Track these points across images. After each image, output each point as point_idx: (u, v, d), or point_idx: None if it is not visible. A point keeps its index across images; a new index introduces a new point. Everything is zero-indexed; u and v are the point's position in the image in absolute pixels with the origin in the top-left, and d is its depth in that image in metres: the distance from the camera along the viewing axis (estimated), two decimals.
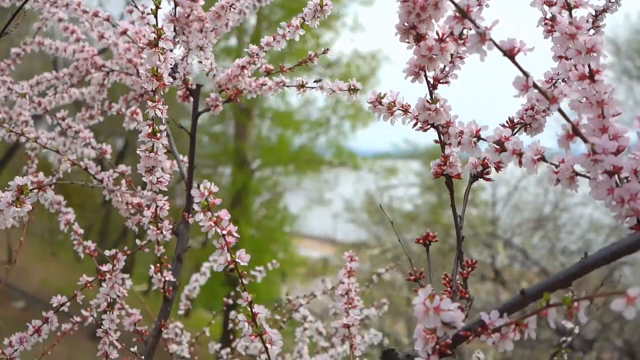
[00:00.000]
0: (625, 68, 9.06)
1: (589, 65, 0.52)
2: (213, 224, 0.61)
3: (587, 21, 0.67)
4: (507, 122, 0.67)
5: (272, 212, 11.77)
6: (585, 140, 0.50)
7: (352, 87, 0.83)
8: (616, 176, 0.51)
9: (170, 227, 0.89)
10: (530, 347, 6.07)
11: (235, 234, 0.62)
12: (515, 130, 0.67)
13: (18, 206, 0.66)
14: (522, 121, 0.67)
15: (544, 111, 0.65)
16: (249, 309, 0.63)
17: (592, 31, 0.70)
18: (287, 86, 0.96)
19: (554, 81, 0.67)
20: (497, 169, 0.66)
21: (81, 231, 1.08)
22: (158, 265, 0.94)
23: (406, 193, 10.21)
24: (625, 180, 0.50)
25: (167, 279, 0.95)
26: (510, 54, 0.50)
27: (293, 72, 0.97)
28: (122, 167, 1.04)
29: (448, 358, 0.55)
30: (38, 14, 1.29)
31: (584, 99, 0.53)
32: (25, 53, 1.31)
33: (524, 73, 0.50)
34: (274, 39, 0.89)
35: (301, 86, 0.94)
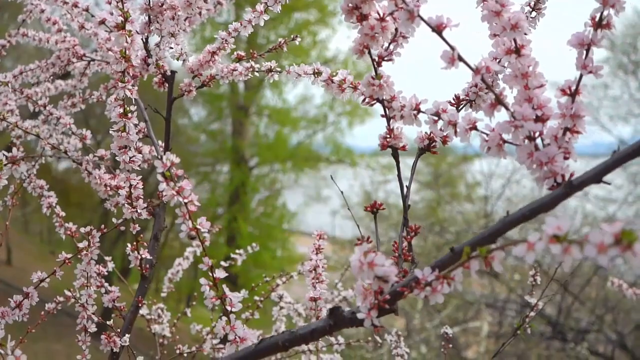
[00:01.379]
0: (621, 63, 9.09)
1: (514, 40, 0.57)
2: (175, 193, 0.65)
3: (529, 4, 0.72)
4: (453, 98, 0.72)
5: (270, 210, 11.82)
6: (507, 109, 0.54)
7: (316, 70, 0.88)
8: (540, 141, 0.56)
9: (145, 205, 0.93)
10: (524, 340, 6.12)
11: (197, 203, 0.66)
12: (461, 106, 0.72)
13: None
14: (467, 98, 0.71)
15: (487, 88, 0.69)
16: (210, 273, 0.68)
17: (533, 13, 0.75)
18: (257, 71, 1.00)
19: (497, 59, 0.72)
20: (444, 142, 0.70)
21: (63, 214, 1.12)
22: (135, 243, 0.99)
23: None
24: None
25: (143, 256, 1.00)
26: (438, 29, 0.54)
27: (263, 58, 1.02)
28: (101, 151, 1.08)
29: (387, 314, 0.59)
30: (23, 6, 1.32)
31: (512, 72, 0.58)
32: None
33: (451, 47, 0.54)
34: (242, 24, 0.94)
35: (269, 70, 0.98)
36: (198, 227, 0.66)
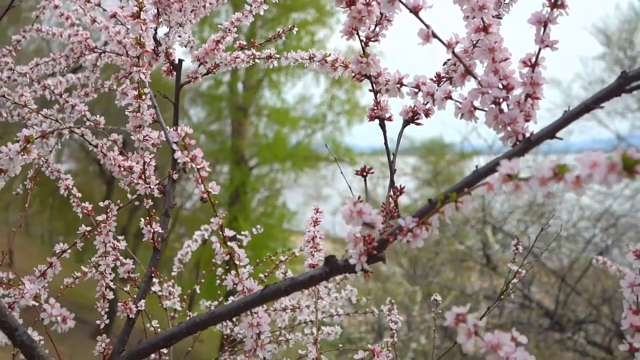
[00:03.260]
0: (617, 58, 9.18)
1: (482, 20, 0.66)
2: (189, 160, 0.74)
3: None
4: (434, 75, 0.80)
5: (271, 209, 11.89)
6: (475, 78, 0.63)
7: (312, 56, 0.96)
8: (505, 106, 0.64)
9: (157, 182, 1.02)
10: (522, 331, 6.21)
11: (208, 169, 0.75)
12: (442, 82, 0.80)
13: (25, 154, 0.79)
14: (447, 75, 0.80)
15: (458, 60, 0.78)
16: (220, 232, 0.76)
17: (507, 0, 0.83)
18: (258, 58, 1.09)
19: (474, 42, 0.80)
20: (427, 115, 0.79)
21: (79, 194, 1.21)
22: (147, 218, 1.07)
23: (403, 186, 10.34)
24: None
25: (156, 230, 1.08)
26: (415, 10, 0.63)
27: (262, 47, 1.10)
28: (114, 136, 1.17)
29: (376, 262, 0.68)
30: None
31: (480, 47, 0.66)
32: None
33: (426, 25, 0.63)
34: (243, 14, 1.03)
35: (269, 57, 1.07)
36: (209, 189, 0.75)
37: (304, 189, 12.66)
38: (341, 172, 1.08)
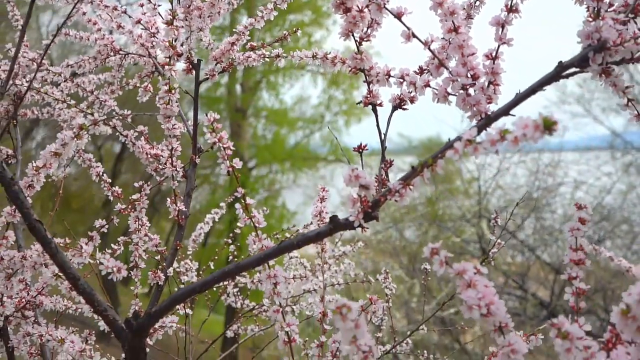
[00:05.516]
0: None
1: (453, 22, 0.82)
2: (217, 140, 0.90)
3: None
4: (418, 68, 0.97)
5: (270, 210, 12.05)
6: (447, 69, 0.80)
7: (314, 54, 1.12)
8: (472, 91, 0.81)
9: (182, 165, 1.18)
10: (519, 322, 6.38)
11: (232, 148, 0.91)
12: (424, 74, 0.96)
13: (78, 139, 0.95)
14: (427, 68, 0.96)
15: (434, 56, 0.94)
16: (242, 200, 0.93)
17: (477, 2, 1.00)
18: (267, 57, 1.25)
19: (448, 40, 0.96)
20: (412, 101, 0.95)
21: (109, 180, 1.37)
22: (173, 197, 1.24)
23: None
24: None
25: (180, 209, 1.25)
26: (398, 16, 0.79)
27: (271, 48, 1.27)
28: (140, 127, 1.33)
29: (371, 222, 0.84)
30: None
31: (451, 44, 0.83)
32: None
33: (407, 27, 0.79)
34: (255, 20, 1.19)
35: (277, 56, 1.23)
36: (234, 164, 0.91)
37: (303, 189, 12.81)
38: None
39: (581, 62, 0.72)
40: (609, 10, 0.76)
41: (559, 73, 0.73)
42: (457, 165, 10.61)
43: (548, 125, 0.57)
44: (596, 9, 0.72)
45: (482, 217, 6.47)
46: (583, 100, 9.17)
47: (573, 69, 0.74)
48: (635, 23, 0.75)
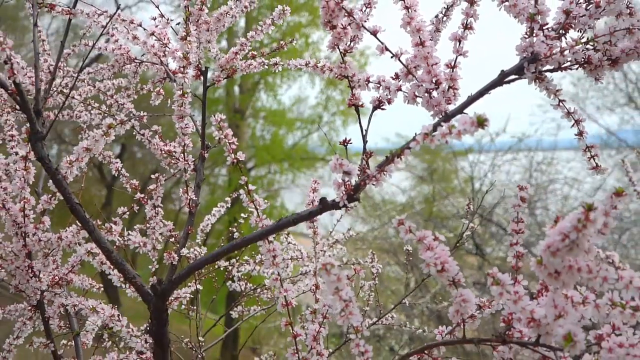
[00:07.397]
0: None
1: (419, 37, 1.00)
2: (224, 137, 1.08)
3: (437, 16, 1.14)
4: (394, 74, 1.14)
5: (269, 210, 12.20)
6: (413, 76, 0.97)
7: (307, 62, 1.30)
8: (434, 93, 0.98)
9: (193, 159, 1.36)
10: None
11: (236, 143, 1.09)
12: (399, 79, 1.14)
13: (107, 136, 1.13)
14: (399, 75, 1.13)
15: (404, 66, 1.12)
16: (246, 187, 1.10)
17: (444, 18, 1.17)
18: (267, 65, 1.43)
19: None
20: (389, 102, 1.13)
21: (127, 174, 1.55)
22: (185, 188, 1.41)
23: (399, 185, 10.68)
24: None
25: (191, 197, 1.42)
26: (374, 33, 0.97)
27: (271, 56, 1.44)
28: (155, 127, 1.50)
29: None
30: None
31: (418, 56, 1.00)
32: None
33: (381, 42, 0.97)
34: (256, 32, 1.37)
35: (276, 64, 1.41)
36: (238, 157, 1.09)
37: (302, 189, 12.97)
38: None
39: (518, 71, 0.90)
40: (545, 27, 0.94)
41: (501, 79, 0.91)
42: (455, 164, 10.81)
43: (481, 122, 0.74)
44: (530, 27, 0.90)
45: (475, 214, 6.66)
46: (577, 99, 9.35)
47: (513, 76, 0.92)
48: (565, 38, 0.93)
